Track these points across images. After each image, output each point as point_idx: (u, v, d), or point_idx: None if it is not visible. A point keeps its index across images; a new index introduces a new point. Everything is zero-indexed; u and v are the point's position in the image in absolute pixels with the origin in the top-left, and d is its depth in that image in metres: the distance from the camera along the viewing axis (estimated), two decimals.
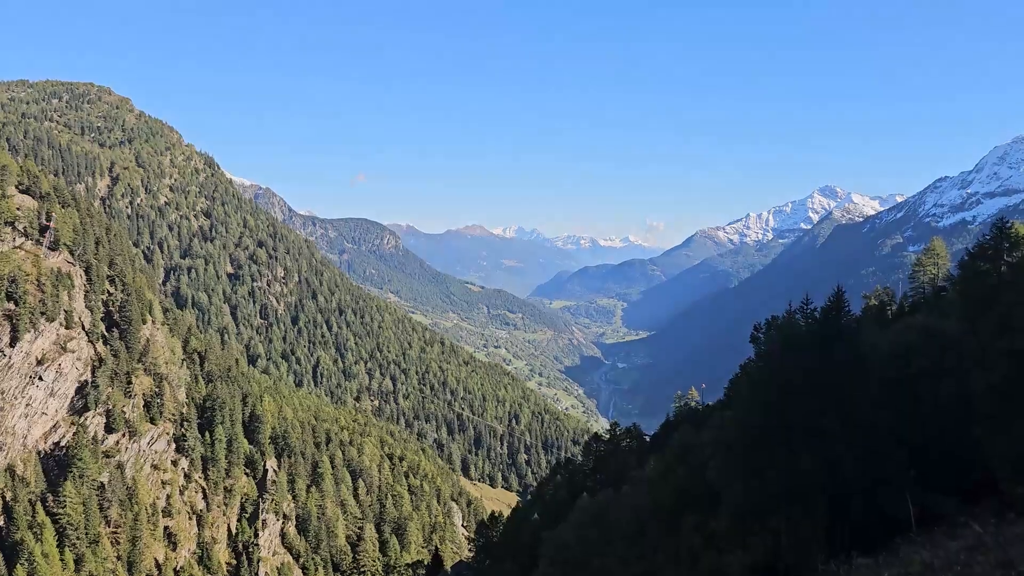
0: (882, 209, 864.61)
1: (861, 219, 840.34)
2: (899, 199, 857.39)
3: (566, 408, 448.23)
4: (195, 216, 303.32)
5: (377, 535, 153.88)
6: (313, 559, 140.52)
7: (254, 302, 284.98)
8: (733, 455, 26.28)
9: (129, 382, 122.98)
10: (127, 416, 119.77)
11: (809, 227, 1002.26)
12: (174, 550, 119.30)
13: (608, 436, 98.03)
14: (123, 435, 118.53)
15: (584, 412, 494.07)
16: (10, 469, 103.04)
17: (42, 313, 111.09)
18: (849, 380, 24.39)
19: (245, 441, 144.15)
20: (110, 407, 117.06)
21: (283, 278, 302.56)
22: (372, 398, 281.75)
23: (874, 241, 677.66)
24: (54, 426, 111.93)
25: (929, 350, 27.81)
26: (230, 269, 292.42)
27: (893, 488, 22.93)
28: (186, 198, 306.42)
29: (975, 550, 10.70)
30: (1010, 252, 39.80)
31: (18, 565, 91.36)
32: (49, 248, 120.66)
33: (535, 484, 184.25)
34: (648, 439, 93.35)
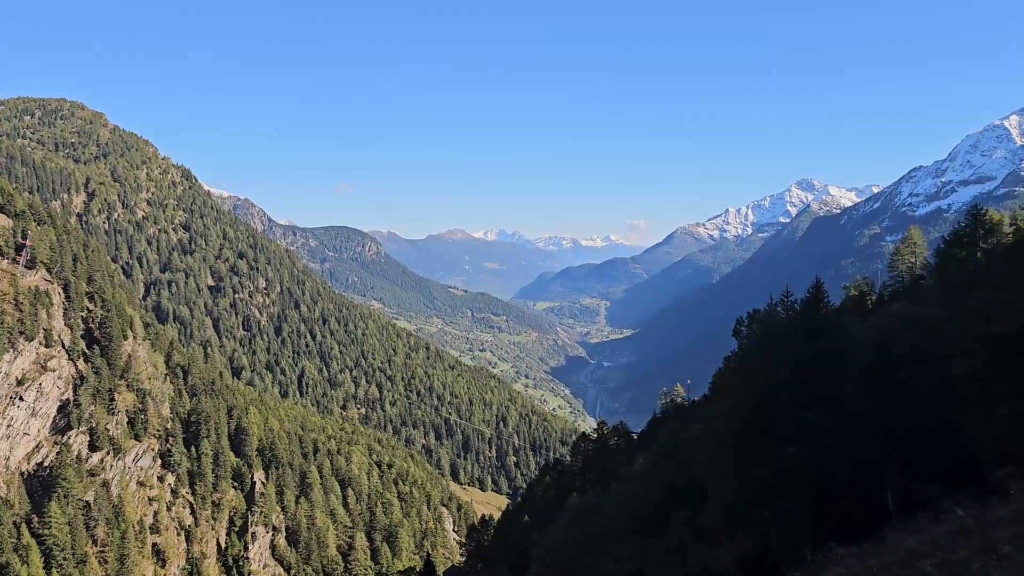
0: (859, 200, 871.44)
1: (839, 211, 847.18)
2: (875, 190, 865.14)
3: (553, 409, 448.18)
4: (174, 229, 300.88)
5: (368, 543, 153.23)
6: (304, 570, 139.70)
7: (236, 314, 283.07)
8: (719, 449, 26.40)
9: (112, 399, 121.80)
10: (111, 433, 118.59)
11: (788, 220, 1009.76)
12: (163, 567, 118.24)
13: (596, 435, 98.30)
14: (107, 453, 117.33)
15: (571, 412, 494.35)
16: None
17: (20, 332, 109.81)
18: (831, 370, 24.59)
19: (232, 454, 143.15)
20: (93, 425, 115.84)
21: (265, 289, 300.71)
22: (359, 406, 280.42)
23: (852, 232, 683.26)
24: (37, 446, 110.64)
25: (909, 338, 28.08)
26: (211, 281, 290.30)
27: (878, 476, 23.16)
28: (164, 211, 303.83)
29: (958, 535, 10.81)
30: (985, 239, 40.36)
31: None
32: (26, 266, 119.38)
33: (525, 486, 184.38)
34: (636, 436, 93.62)
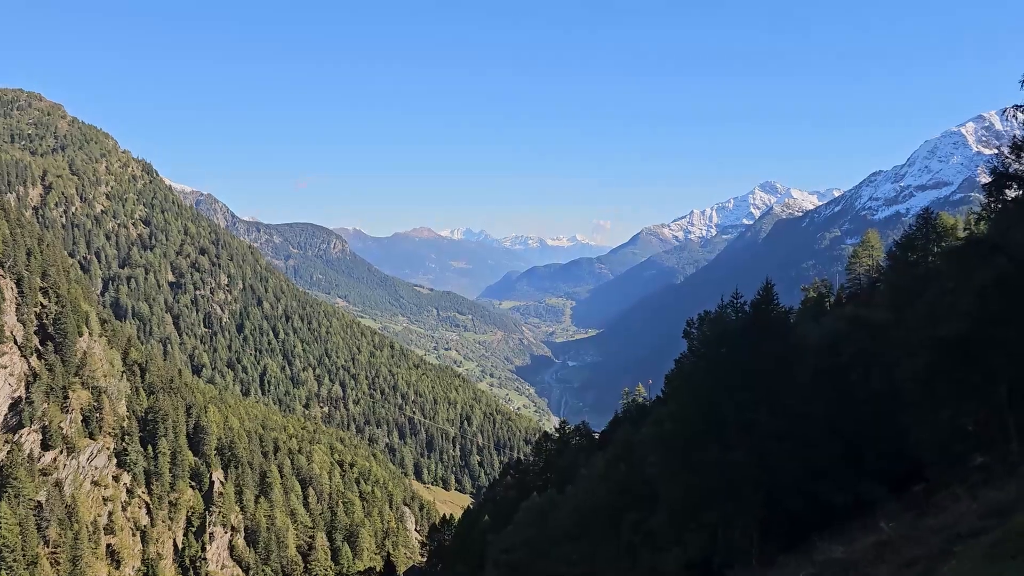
0: (820, 203, 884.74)
1: (800, 213, 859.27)
2: (836, 193, 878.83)
3: (518, 408, 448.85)
4: (133, 224, 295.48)
5: (329, 543, 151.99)
6: (263, 570, 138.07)
7: (197, 311, 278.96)
8: (669, 451, 26.44)
9: (66, 397, 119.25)
10: (64, 432, 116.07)
11: (751, 222, 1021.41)
12: (117, 568, 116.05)
13: (558, 435, 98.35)
14: (61, 452, 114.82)
15: (536, 411, 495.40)
16: None
17: None
18: (780, 372, 24.71)
19: (190, 453, 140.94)
20: (46, 423, 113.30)
21: (227, 286, 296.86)
22: (321, 405, 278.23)
23: (813, 235, 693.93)
24: None
25: (858, 340, 28.40)
26: (171, 278, 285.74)
27: (826, 479, 23.31)
28: (124, 206, 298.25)
29: (885, 546, 10.84)
30: (939, 242, 41.14)
31: None
32: None
33: (488, 485, 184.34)
34: (597, 436, 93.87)
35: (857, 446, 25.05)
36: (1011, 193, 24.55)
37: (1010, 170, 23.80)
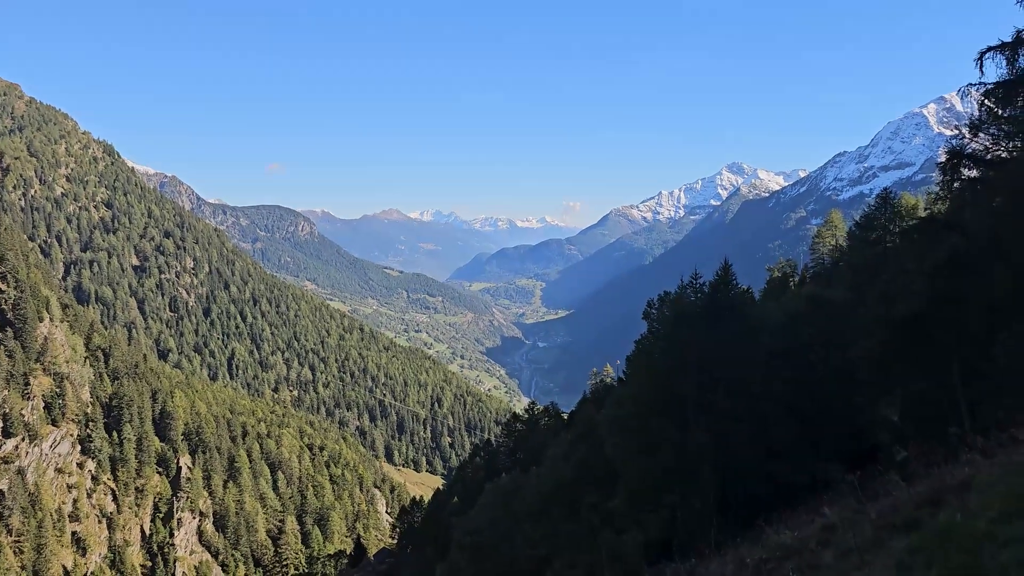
0: (786, 184, 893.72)
1: (767, 194, 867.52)
2: (802, 174, 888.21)
3: (488, 389, 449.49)
4: (95, 207, 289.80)
5: (299, 527, 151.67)
6: (233, 555, 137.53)
7: (163, 295, 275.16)
8: (628, 432, 26.54)
9: (27, 383, 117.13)
10: (26, 419, 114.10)
11: (719, 203, 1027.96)
12: (83, 556, 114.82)
13: (527, 415, 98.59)
14: (22, 439, 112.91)
15: (506, 392, 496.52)
16: None
17: None
18: (738, 353, 24.85)
19: (156, 439, 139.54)
20: (7, 410, 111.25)
21: (193, 269, 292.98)
22: (291, 388, 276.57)
23: (780, 215, 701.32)
24: None
25: (816, 319, 28.67)
26: (135, 261, 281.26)
27: (784, 460, 23.54)
28: (85, 188, 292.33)
29: (830, 531, 10.94)
30: (896, 223, 41.61)
31: None
32: None
33: (458, 467, 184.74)
34: (565, 417, 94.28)
35: (815, 427, 25.31)
36: (966, 172, 24.79)
37: (966, 150, 24.02)
